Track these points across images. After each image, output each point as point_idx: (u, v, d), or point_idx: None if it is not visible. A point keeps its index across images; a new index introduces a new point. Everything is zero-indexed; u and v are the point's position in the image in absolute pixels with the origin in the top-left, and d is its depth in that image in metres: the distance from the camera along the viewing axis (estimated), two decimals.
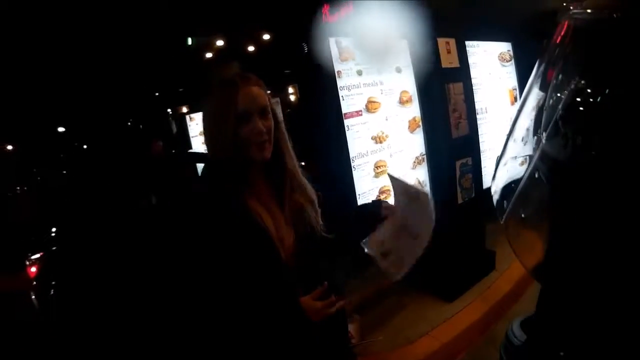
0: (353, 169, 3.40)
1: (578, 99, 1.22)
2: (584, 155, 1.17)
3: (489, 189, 4.55)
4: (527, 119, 1.54)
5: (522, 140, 1.57)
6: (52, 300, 5.86)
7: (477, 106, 4.62)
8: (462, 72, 4.33)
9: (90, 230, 6.49)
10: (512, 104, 5.40)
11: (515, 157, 1.61)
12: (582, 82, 1.23)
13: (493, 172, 1.71)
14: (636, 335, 1.10)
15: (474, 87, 4.52)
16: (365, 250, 1.84)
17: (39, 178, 13.39)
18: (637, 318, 1.10)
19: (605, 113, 1.14)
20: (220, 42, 11.37)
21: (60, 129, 15.68)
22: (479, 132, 4.62)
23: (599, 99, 1.18)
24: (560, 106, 1.26)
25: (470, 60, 4.58)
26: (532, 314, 1.56)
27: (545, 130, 1.31)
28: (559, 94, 1.31)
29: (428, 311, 4.11)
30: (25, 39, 6.97)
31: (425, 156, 4.11)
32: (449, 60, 4.13)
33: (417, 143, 4.04)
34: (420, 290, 4.37)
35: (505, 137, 1.68)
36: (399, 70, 3.88)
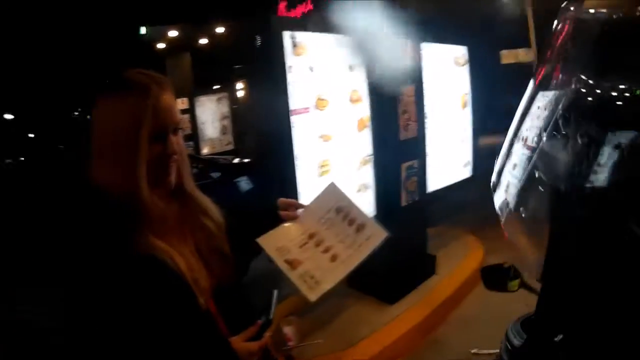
0: (296, 167, 3.34)
1: (579, 99, 1.23)
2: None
3: (433, 192, 4.59)
4: (534, 121, 1.53)
5: (527, 143, 1.55)
6: None
7: (427, 109, 4.62)
8: (415, 74, 4.32)
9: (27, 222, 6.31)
10: (463, 107, 5.44)
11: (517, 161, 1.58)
12: (583, 82, 1.24)
13: (496, 173, 1.68)
14: (635, 334, 1.11)
15: (425, 90, 4.51)
16: (264, 249, 1.57)
17: None
18: (636, 318, 1.11)
19: (605, 113, 1.16)
20: (173, 33, 11.19)
21: (8, 116, 15.19)
22: (427, 135, 4.62)
23: (599, 100, 1.20)
24: (560, 106, 1.27)
25: (424, 61, 4.57)
26: (532, 314, 1.53)
27: (545, 130, 1.33)
28: (559, 94, 1.32)
29: (369, 314, 4.10)
30: None
31: (371, 157, 4.08)
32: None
33: (364, 143, 4.02)
34: (361, 292, 4.35)
35: (509, 139, 1.66)
36: (351, 69, 3.83)
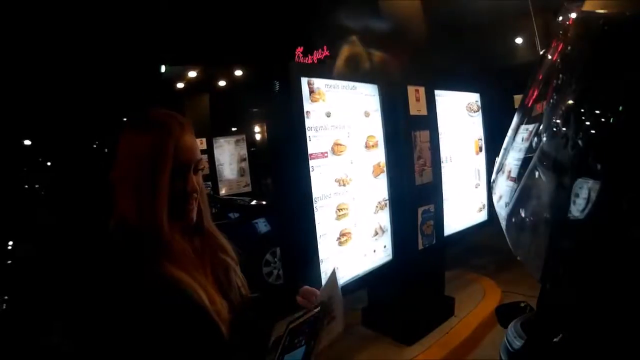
0: (315, 210, 3.40)
1: (579, 99, 1.25)
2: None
3: (450, 236, 4.59)
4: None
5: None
6: (2, 314, 5.73)
7: (442, 154, 4.69)
8: (430, 120, 4.40)
9: (48, 248, 6.38)
10: (477, 153, 5.51)
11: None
12: (583, 82, 1.27)
13: (493, 175, 1.71)
14: (635, 334, 1.12)
15: (440, 136, 4.59)
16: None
17: None
18: (636, 317, 1.12)
19: (605, 113, 1.18)
20: (193, 73, 11.36)
21: (27, 142, 15.47)
22: (443, 180, 4.67)
23: (599, 99, 1.21)
24: (560, 107, 1.30)
25: (438, 108, 4.65)
26: (532, 314, 1.56)
27: (545, 131, 1.35)
28: (559, 95, 1.35)
29: (386, 354, 4.09)
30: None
31: (387, 201, 4.13)
32: (417, 108, 4.20)
33: (380, 188, 4.07)
34: (379, 333, 4.36)
35: (504, 146, 1.68)
36: (367, 115, 3.92)
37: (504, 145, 1.70)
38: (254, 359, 1.50)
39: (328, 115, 3.54)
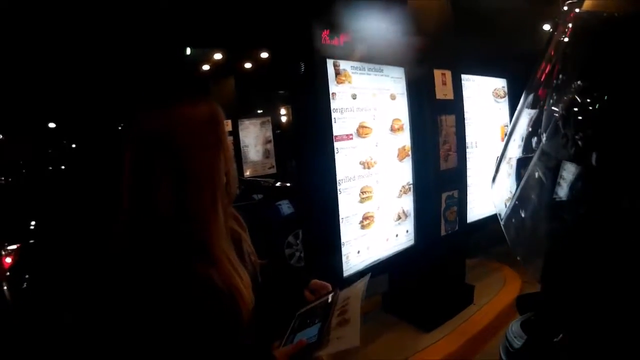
0: (339, 192, 3.39)
1: (579, 100, 1.24)
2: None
3: (472, 223, 4.54)
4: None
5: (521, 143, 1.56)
6: (24, 293, 5.81)
7: (468, 140, 4.64)
8: (456, 105, 4.35)
9: (69, 228, 6.44)
10: (502, 140, 5.44)
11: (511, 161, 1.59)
12: (583, 82, 1.25)
13: (493, 174, 1.69)
14: (635, 334, 1.11)
15: (466, 121, 4.54)
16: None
17: (24, 171, 13.33)
18: (636, 317, 1.11)
19: (605, 113, 1.16)
20: (218, 56, 11.34)
21: (51, 125, 15.67)
22: (467, 166, 4.63)
23: (599, 100, 1.20)
24: (560, 107, 1.29)
25: (465, 93, 4.60)
26: (532, 314, 1.55)
27: (545, 131, 1.34)
28: (559, 95, 1.34)
29: (404, 340, 4.09)
30: (24, 38, 6.98)
31: (411, 186, 4.11)
32: (443, 92, 4.15)
33: (405, 172, 4.04)
34: (398, 318, 4.37)
35: (505, 139, 1.67)
36: (393, 98, 3.89)
37: (507, 131, 1.68)
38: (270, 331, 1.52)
39: (354, 97, 3.52)
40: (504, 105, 5.48)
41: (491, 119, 5.31)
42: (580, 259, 1.21)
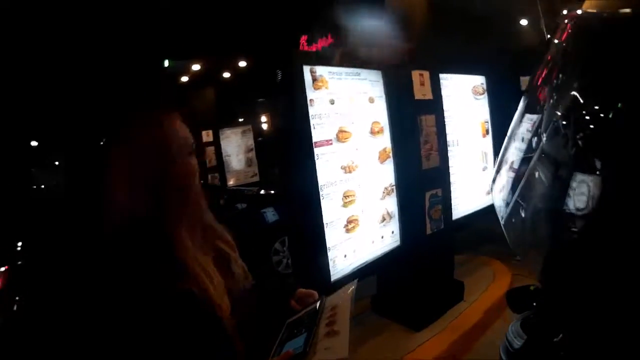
0: (321, 197, 3.39)
1: (579, 100, 1.25)
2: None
3: (458, 220, 4.56)
4: (519, 143, 1.54)
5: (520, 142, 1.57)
6: (14, 315, 5.78)
7: (449, 138, 4.66)
8: (435, 104, 4.38)
9: (56, 248, 6.42)
10: (484, 136, 5.48)
11: (513, 162, 1.61)
12: (583, 82, 1.26)
13: (493, 175, 1.70)
14: (635, 334, 1.12)
15: (446, 119, 4.57)
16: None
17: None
18: (636, 317, 1.12)
19: (605, 113, 1.17)
20: (196, 67, 11.35)
21: (33, 143, 15.58)
22: (450, 164, 4.65)
23: (599, 100, 1.21)
24: (560, 107, 1.30)
25: (444, 92, 4.63)
26: (531, 314, 1.56)
27: (545, 131, 1.35)
28: (559, 95, 1.35)
29: (395, 340, 4.10)
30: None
31: (394, 187, 4.12)
32: (422, 92, 4.18)
33: (387, 173, 4.06)
34: (389, 320, 4.37)
35: (506, 140, 1.68)
36: (371, 101, 3.90)
37: (508, 134, 1.69)
38: (256, 348, 1.50)
39: (332, 102, 3.53)
40: (483, 101, 5.51)
41: (471, 116, 5.33)
42: (580, 258, 1.22)
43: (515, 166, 1.57)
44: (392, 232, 4.12)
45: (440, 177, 4.44)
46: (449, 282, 4.73)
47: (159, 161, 1.38)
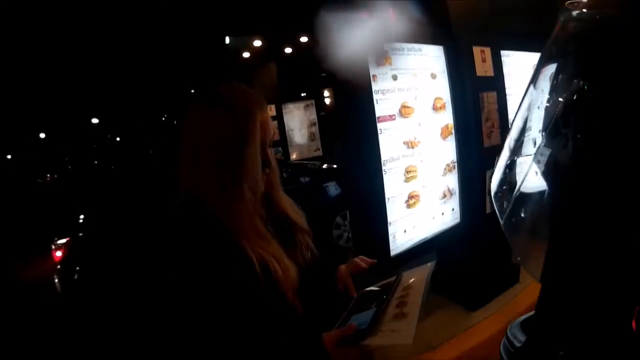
0: (384, 172, 3.41)
1: (578, 99, 1.22)
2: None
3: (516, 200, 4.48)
4: (520, 120, 1.53)
5: (519, 140, 1.55)
6: (75, 285, 6.00)
7: (510, 116, 4.59)
8: (496, 81, 4.32)
9: (117, 222, 6.62)
10: None
11: (513, 158, 1.59)
12: (583, 82, 1.23)
13: (493, 176, 1.70)
14: (636, 334, 1.10)
15: (507, 97, 4.49)
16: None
17: (69, 167, 13.69)
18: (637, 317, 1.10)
19: (605, 113, 1.15)
20: (257, 43, 11.42)
21: (94, 120, 16.03)
22: None
23: (599, 99, 1.18)
24: (560, 106, 1.27)
25: (505, 69, 4.54)
26: (532, 314, 1.56)
27: (545, 130, 1.33)
28: (559, 94, 1.32)
29: (450, 318, 4.11)
30: (66, 34, 7.13)
31: (456, 164, 4.11)
32: (483, 69, 4.13)
33: (448, 150, 4.04)
34: (444, 297, 4.37)
35: (506, 140, 1.67)
36: (433, 77, 3.88)
37: (510, 130, 1.66)
38: (322, 322, 1.59)
39: (394, 78, 3.52)
40: None
41: None
42: (581, 258, 1.21)
43: (515, 165, 1.56)
44: (453, 209, 4.11)
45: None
46: (506, 263, 4.67)
47: (240, 151, 1.41)
